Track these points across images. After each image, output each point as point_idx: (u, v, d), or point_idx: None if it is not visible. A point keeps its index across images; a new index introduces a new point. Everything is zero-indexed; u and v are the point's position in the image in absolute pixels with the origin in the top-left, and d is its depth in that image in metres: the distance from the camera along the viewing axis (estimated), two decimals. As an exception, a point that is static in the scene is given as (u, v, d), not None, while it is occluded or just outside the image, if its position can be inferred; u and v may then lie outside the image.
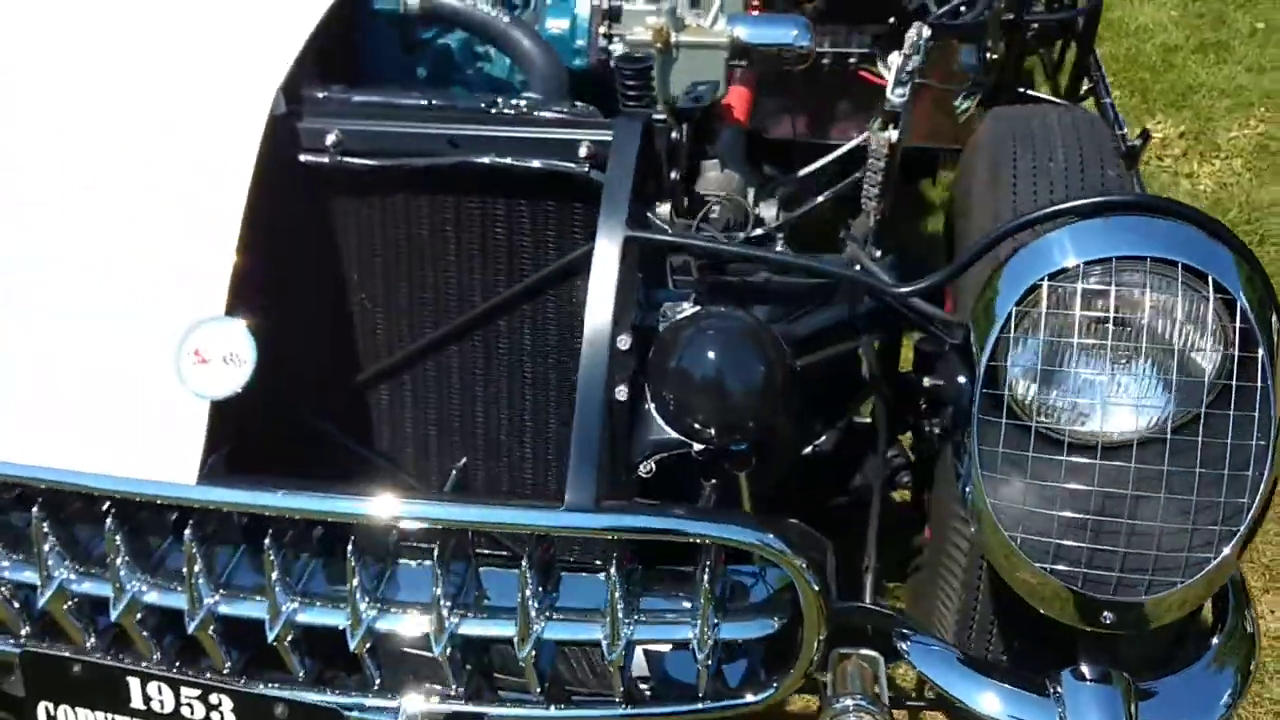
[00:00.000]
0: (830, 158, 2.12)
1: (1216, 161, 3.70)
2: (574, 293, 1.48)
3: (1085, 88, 2.71)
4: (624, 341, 1.36)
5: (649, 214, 1.41)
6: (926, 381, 1.40)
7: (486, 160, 1.43)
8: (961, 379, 1.31)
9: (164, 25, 1.54)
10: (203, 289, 1.36)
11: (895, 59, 1.58)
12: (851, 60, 2.45)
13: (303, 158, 1.46)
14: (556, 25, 1.88)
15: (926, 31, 1.94)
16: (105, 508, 1.34)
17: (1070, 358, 1.23)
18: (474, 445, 1.54)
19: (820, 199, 1.90)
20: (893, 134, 1.52)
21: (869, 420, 1.72)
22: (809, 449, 1.71)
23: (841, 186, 1.90)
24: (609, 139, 1.40)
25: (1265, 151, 3.75)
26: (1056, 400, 1.26)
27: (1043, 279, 1.21)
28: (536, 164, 1.42)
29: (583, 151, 1.40)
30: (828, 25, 2.30)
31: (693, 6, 1.96)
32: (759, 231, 1.88)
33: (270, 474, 1.35)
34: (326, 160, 1.45)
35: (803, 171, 2.18)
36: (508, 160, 1.42)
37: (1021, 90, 2.72)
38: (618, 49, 1.84)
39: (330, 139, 1.45)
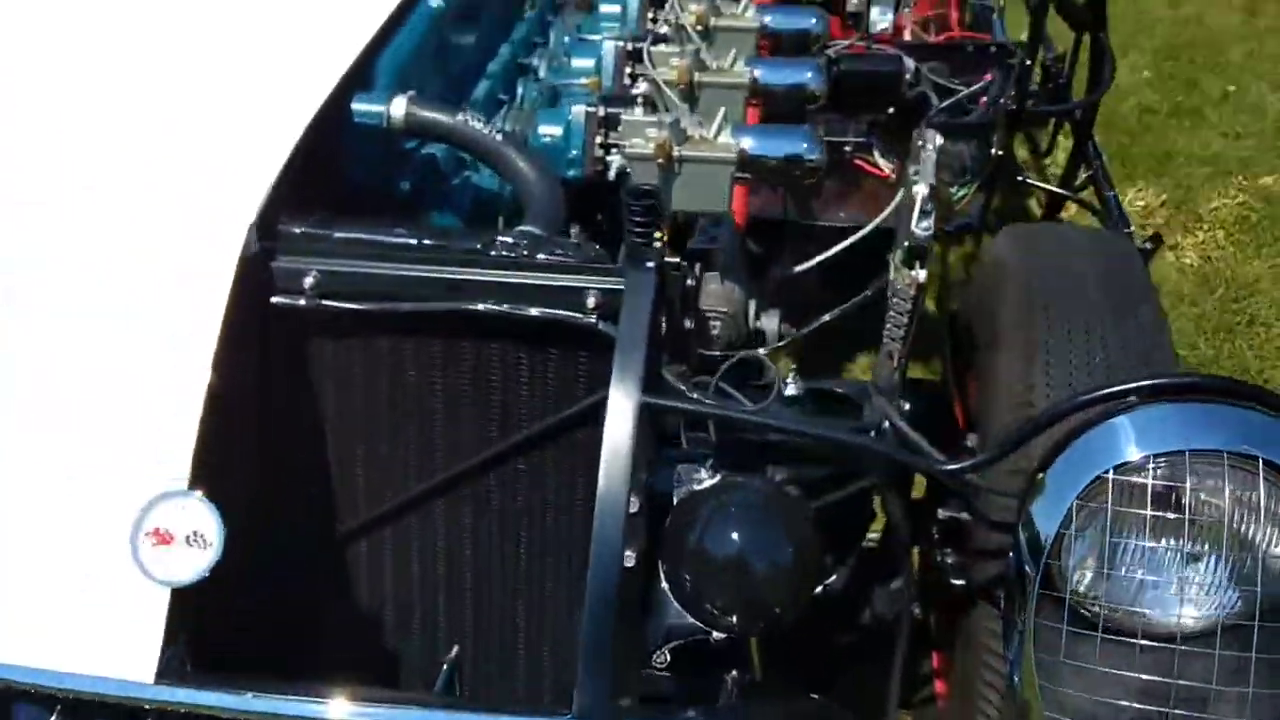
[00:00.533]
0: (830, 252, 2.02)
1: (1200, 233, 3.64)
2: (576, 448, 1.35)
3: (1084, 175, 2.63)
4: (634, 504, 1.23)
5: (664, 371, 1.28)
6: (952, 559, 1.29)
7: (481, 307, 1.30)
8: (1009, 561, 1.20)
9: (120, 155, 1.39)
10: (163, 457, 1.21)
11: (920, 189, 1.46)
12: (847, 149, 2.36)
13: (277, 300, 1.32)
14: (549, 132, 1.75)
15: (939, 139, 1.84)
16: (52, 707, 1.19)
17: (1137, 555, 1.12)
18: (462, 627, 1.39)
19: (827, 318, 1.78)
20: (920, 273, 1.40)
21: (873, 543, 1.61)
22: (820, 588, 1.59)
23: (849, 306, 1.79)
24: (619, 288, 1.27)
25: (1246, 223, 3.69)
26: (1117, 593, 1.15)
27: (1107, 471, 1.10)
28: (537, 313, 1.29)
29: (590, 302, 1.27)
30: (823, 114, 2.21)
31: (692, 112, 1.85)
32: (760, 351, 1.77)
33: (237, 666, 1.21)
34: (303, 303, 1.31)
35: (800, 267, 2.07)
36: (505, 307, 1.29)
37: (1020, 179, 2.64)
38: (615, 160, 1.72)
39: (308, 281, 1.31)
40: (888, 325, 1.47)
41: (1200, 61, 4.96)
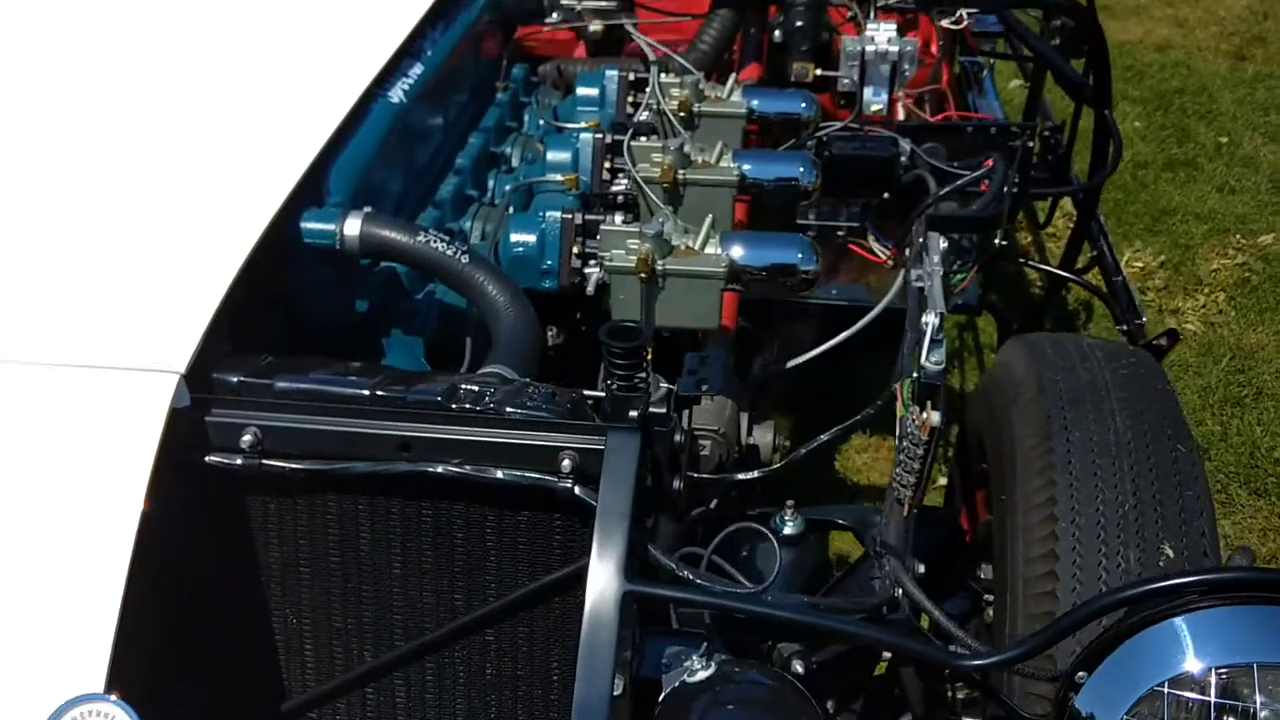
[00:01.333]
0: (824, 347, 1.88)
1: (1200, 296, 3.52)
2: (551, 617, 1.20)
3: (1090, 256, 2.51)
4: (618, 685, 1.08)
5: (651, 548, 1.13)
6: None
7: (441, 469, 1.15)
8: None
9: (29, 295, 1.24)
10: (77, 656, 1.06)
11: (929, 319, 1.32)
12: (841, 234, 2.22)
13: (211, 459, 1.17)
14: (521, 240, 1.61)
15: (943, 243, 1.71)
16: None
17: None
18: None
19: (825, 437, 1.63)
20: (934, 415, 1.26)
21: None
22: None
23: (850, 425, 1.65)
24: (599, 448, 1.13)
25: (1247, 285, 3.58)
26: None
27: (1163, 684, 0.95)
28: (504, 476, 1.14)
29: (566, 464, 1.13)
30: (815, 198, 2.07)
31: (677, 212, 1.72)
32: (754, 475, 1.62)
33: None
34: (240, 463, 1.16)
35: (793, 362, 1.93)
36: (468, 469, 1.15)
37: (1022, 260, 2.51)
38: (594, 273, 1.58)
39: (246, 439, 1.16)
40: (897, 470, 1.33)
41: (1191, 110, 4.87)
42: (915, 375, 1.34)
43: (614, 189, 1.79)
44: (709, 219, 1.59)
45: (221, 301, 1.21)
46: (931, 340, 1.33)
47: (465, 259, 1.38)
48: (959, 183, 2.05)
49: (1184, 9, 6.15)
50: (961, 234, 1.99)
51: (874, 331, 1.80)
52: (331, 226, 1.38)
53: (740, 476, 1.60)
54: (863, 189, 2.19)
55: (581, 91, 2.02)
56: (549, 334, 1.74)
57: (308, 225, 1.39)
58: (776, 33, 2.23)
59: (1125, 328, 2.32)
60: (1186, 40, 5.74)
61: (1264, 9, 6.13)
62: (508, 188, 1.82)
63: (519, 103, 2.09)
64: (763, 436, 1.73)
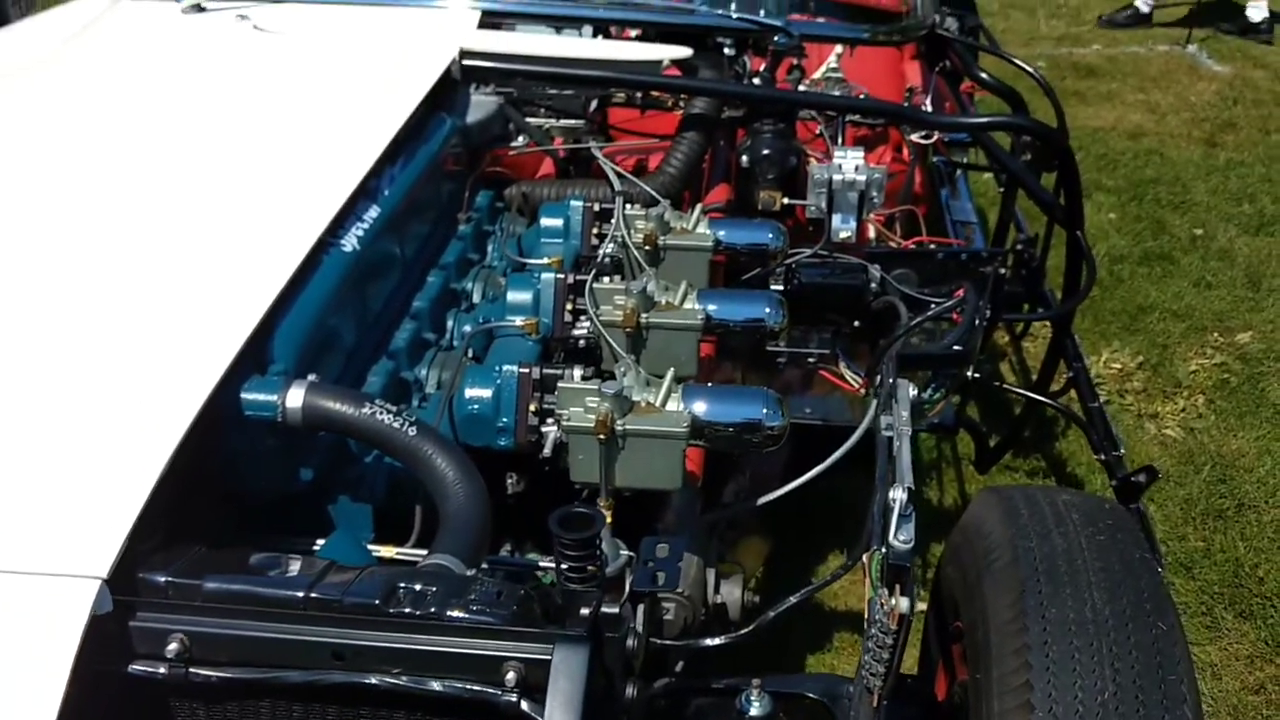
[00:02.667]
0: (795, 484, 1.81)
1: (1179, 399, 3.48)
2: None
3: (1066, 377, 2.46)
4: None
5: None
6: None
7: (375, 680, 1.08)
8: None
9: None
10: None
11: (896, 494, 1.26)
12: (811, 360, 2.17)
13: (135, 669, 1.10)
14: (477, 396, 1.55)
15: (913, 390, 1.65)
16: None
17: None
18: None
19: (794, 599, 1.56)
20: (902, 602, 1.20)
21: None
22: None
23: (817, 587, 1.59)
24: (546, 658, 1.06)
25: (1226, 387, 3.54)
26: None
27: None
28: (443, 688, 1.07)
29: (510, 676, 1.06)
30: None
31: (639, 360, 1.66)
32: (720, 640, 1.55)
33: None
34: (165, 671, 1.09)
35: (762, 500, 1.87)
36: (405, 680, 1.08)
37: (998, 384, 2.47)
38: (551, 432, 1.52)
39: (173, 647, 1.09)
40: (865, 657, 1.26)
41: (1165, 201, 4.88)
42: (884, 551, 1.28)
43: (576, 332, 1.74)
44: (671, 372, 1.54)
45: (150, 493, 1.14)
46: (900, 516, 1.27)
47: (413, 431, 1.32)
48: (930, 314, 2.01)
49: (1155, 94, 6.21)
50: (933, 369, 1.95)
51: (851, 452, 1.75)
52: (273, 397, 1.32)
53: (707, 642, 1.53)
54: (833, 316, 2.15)
55: (546, 222, 1.98)
56: (509, 481, 1.68)
57: (248, 396, 1.32)
58: (744, 158, 2.20)
59: (1103, 457, 2.27)
60: (1159, 127, 5.78)
61: (1233, 94, 6.21)
62: (467, 328, 1.77)
63: (482, 232, 2.05)
64: (730, 593, 1.66)
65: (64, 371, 1.29)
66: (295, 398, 1.32)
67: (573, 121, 2.43)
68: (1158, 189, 5.00)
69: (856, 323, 2.14)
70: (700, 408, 1.52)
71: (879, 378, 1.97)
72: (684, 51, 2.24)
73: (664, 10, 2.40)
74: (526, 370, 1.54)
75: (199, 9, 2.35)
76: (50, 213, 1.61)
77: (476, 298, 1.88)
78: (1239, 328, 3.88)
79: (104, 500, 1.13)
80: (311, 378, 1.35)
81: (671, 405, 1.51)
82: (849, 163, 2.10)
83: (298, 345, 1.42)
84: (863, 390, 2.15)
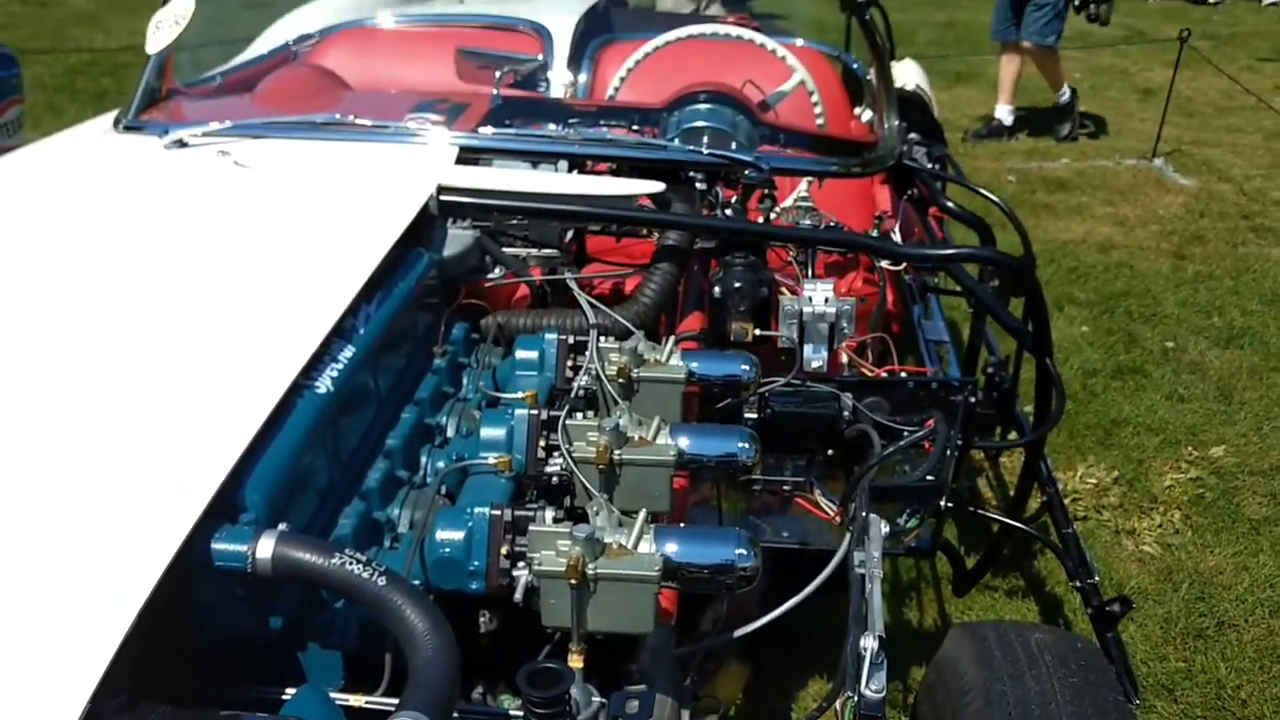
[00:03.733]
0: (773, 615, 1.81)
1: (1156, 515, 3.50)
2: None
3: (1041, 502, 2.48)
4: None
5: None
6: None
7: None
8: None
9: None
10: None
11: (867, 643, 1.26)
12: (786, 488, 2.19)
13: None
14: (448, 538, 1.55)
15: (885, 528, 1.66)
16: None
17: None
18: None
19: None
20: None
21: None
22: None
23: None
24: None
25: (1202, 503, 3.56)
26: None
27: None
28: None
29: None
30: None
31: (613, 496, 1.67)
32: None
33: None
34: None
35: (739, 632, 1.86)
36: None
37: (972, 509, 2.48)
38: (522, 575, 1.51)
39: None
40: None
41: (1136, 313, 4.96)
42: (855, 700, 1.27)
43: (549, 469, 1.75)
44: (643, 513, 1.54)
45: (115, 652, 1.13)
46: (871, 665, 1.27)
47: (382, 581, 1.31)
48: (900, 444, 2.03)
49: (1124, 207, 6.36)
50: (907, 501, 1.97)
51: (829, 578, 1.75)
52: (243, 548, 1.31)
53: None
54: (806, 445, 2.17)
55: (521, 355, 2.00)
56: (481, 620, 1.67)
57: (218, 546, 1.32)
58: (716, 289, 2.23)
59: (1078, 584, 2.28)
60: (1128, 239, 5.90)
61: (1199, 207, 6.36)
62: (440, 465, 1.78)
63: (457, 364, 2.06)
64: None
65: (28, 520, 1.28)
66: (265, 548, 1.31)
67: (549, 251, 2.47)
68: (1128, 301, 5.08)
69: (830, 451, 2.16)
70: (672, 549, 1.52)
71: (852, 507, 1.98)
72: (657, 186, 2.29)
73: (637, 146, 2.46)
74: (498, 513, 1.54)
75: (181, 144, 2.39)
76: (19, 347, 1.61)
77: (451, 432, 1.89)
78: (1212, 441, 3.92)
79: (66, 659, 1.12)
80: (282, 527, 1.34)
81: (644, 547, 1.51)
82: (819, 295, 2.14)
83: (269, 492, 1.42)
84: (838, 519, 2.16)
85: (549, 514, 1.53)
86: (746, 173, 2.37)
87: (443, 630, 1.29)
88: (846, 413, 2.13)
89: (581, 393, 1.91)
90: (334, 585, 1.33)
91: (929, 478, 1.98)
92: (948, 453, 1.99)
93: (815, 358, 2.15)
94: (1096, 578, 2.25)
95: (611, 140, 2.47)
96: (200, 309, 1.73)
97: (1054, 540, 2.38)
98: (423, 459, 1.81)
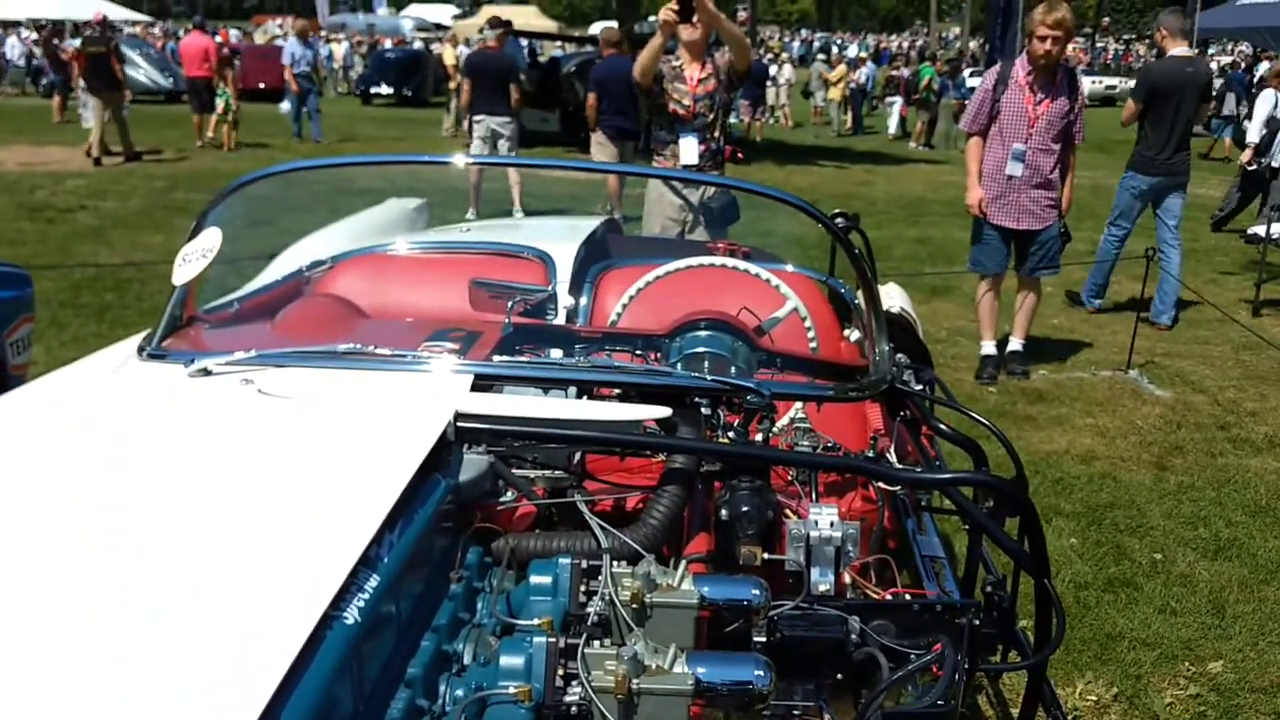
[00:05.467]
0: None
1: (1158, 734, 3.49)
2: None
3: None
4: None
5: None
6: None
7: None
8: None
9: None
10: None
11: None
12: (795, 712, 2.20)
13: None
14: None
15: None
16: None
17: None
18: None
19: None
20: None
21: None
22: None
23: None
24: None
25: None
26: None
27: None
28: None
29: None
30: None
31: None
32: None
33: None
34: None
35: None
36: None
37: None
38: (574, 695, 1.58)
39: None
40: None
41: (1123, 525, 5.04)
42: None
43: (568, 699, 1.78)
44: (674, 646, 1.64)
45: None
46: None
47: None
48: (911, 668, 2.06)
49: (1103, 418, 6.51)
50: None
51: None
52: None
53: None
54: (815, 669, 2.19)
55: (535, 580, 2.05)
56: None
57: (253, 784, 1.34)
58: (723, 512, 2.30)
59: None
60: (1109, 450, 6.02)
61: (1176, 418, 6.52)
62: (459, 693, 1.80)
63: (472, 589, 2.11)
64: None
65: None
66: None
67: (557, 472, 2.54)
68: (1114, 513, 5.16)
69: (839, 675, 2.18)
70: (701, 670, 1.76)
71: None
72: (663, 411, 2.39)
73: (644, 373, 2.57)
74: (553, 640, 1.60)
75: (206, 373, 2.49)
76: (45, 586, 1.65)
77: (467, 659, 1.92)
78: (1209, 656, 3.93)
79: None
80: None
81: (678, 668, 1.74)
82: (824, 519, 2.21)
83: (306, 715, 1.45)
84: (848, 746, 2.17)
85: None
86: (749, 398, 2.48)
87: None
88: (854, 635, 2.16)
89: (595, 619, 1.95)
90: None
91: (940, 702, 2.00)
92: (955, 677, 2.02)
93: (822, 581, 2.20)
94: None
95: (619, 367, 2.58)
96: (230, 538, 1.79)
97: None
98: (441, 687, 1.84)
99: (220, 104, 18.52)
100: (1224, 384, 7.18)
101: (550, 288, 3.15)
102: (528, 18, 35.47)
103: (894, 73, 27.52)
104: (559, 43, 27.44)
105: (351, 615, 1.66)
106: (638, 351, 2.85)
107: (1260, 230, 9.27)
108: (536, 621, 1.91)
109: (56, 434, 2.24)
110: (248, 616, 1.59)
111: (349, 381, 2.46)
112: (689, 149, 6.40)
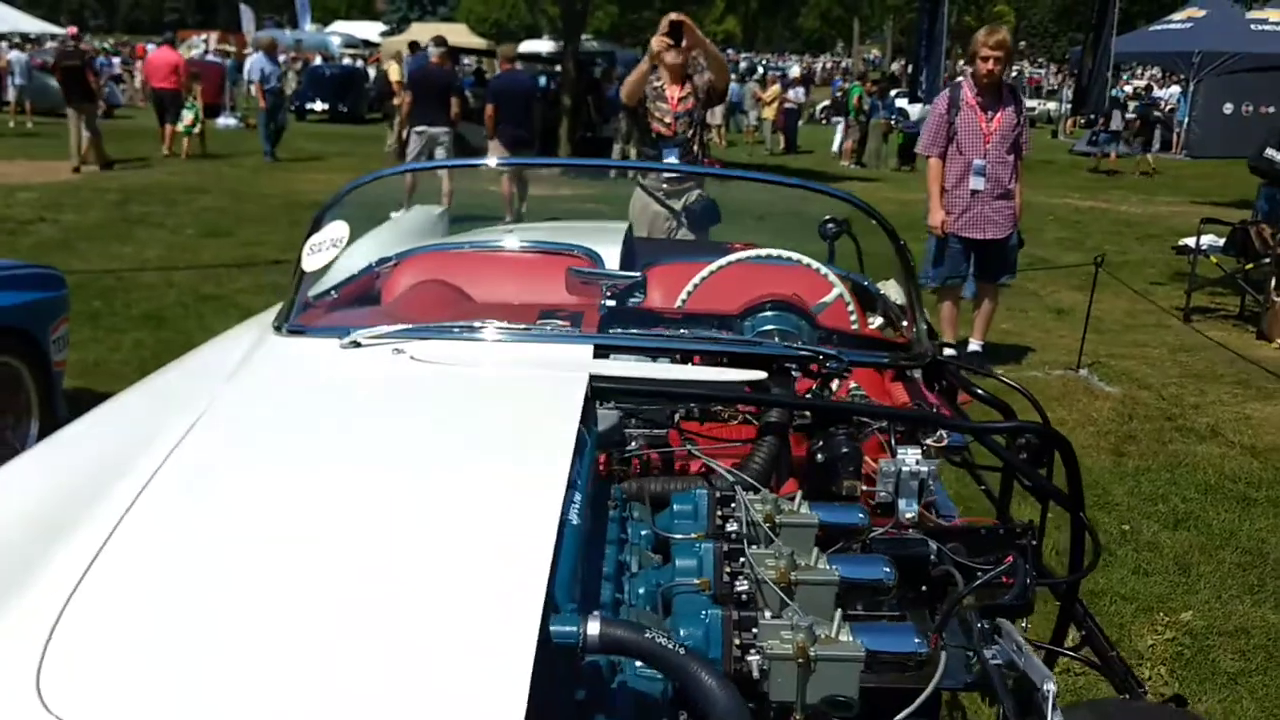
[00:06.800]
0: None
1: (1144, 669, 3.97)
2: None
3: (1080, 635, 2.94)
4: None
5: None
6: None
7: None
8: None
9: None
10: None
11: (1049, 688, 1.70)
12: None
13: None
14: (687, 634, 1.96)
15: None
16: None
17: None
18: None
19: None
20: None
21: None
22: None
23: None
24: None
25: (1182, 659, 4.05)
26: None
27: None
28: None
29: None
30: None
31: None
32: None
33: None
34: None
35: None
36: None
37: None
38: (754, 660, 1.93)
39: None
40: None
41: (1091, 502, 5.51)
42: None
43: (738, 589, 2.17)
44: (838, 613, 1.98)
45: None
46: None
47: (682, 651, 1.73)
48: (989, 575, 2.49)
49: (1061, 411, 7.05)
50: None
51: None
52: (575, 629, 1.72)
53: None
54: (903, 583, 2.62)
55: (678, 508, 2.44)
56: None
57: (555, 629, 1.72)
58: (819, 455, 2.72)
59: (1128, 695, 2.71)
60: (1071, 438, 6.54)
61: (1127, 411, 7.09)
62: (641, 590, 2.19)
63: (623, 518, 2.50)
64: None
65: (428, 628, 1.66)
66: (593, 628, 1.72)
67: (657, 430, 2.94)
68: (1084, 492, 5.67)
69: (922, 588, 2.60)
70: (865, 639, 1.96)
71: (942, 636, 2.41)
72: (759, 374, 2.81)
73: (744, 343, 2.99)
74: (729, 612, 1.97)
75: (356, 345, 2.83)
76: (360, 516, 1.98)
77: (635, 568, 2.31)
78: (1180, 608, 4.44)
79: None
80: (597, 613, 1.75)
81: (843, 636, 1.95)
82: (910, 458, 2.63)
83: (572, 593, 1.83)
84: (928, 650, 2.59)
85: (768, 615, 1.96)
86: (829, 364, 2.90)
87: (733, 689, 1.70)
88: (933, 556, 2.59)
89: (734, 536, 2.35)
90: (644, 655, 1.74)
91: (1018, 601, 2.44)
92: (1029, 581, 2.46)
93: (908, 509, 2.63)
94: (1145, 689, 2.69)
95: (721, 338, 3.00)
96: (473, 469, 2.15)
97: (1097, 661, 2.83)
98: (625, 586, 2.23)
99: (189, 116, 18.74)
100: (1166, 381, 7.80)
101: (640, 274, 3.54)
102: (458, 36, 35.80)
103: (840, 93, 28.35)
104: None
105: (575, 518, 2.04)
106: (714, 330, 3.25)
107: (1190, 242, 9.96)
108: (694, 535, 2.31)
109: (267, 403, 2.56)
110: (512, 522, 1.95)
111: (488, 351, 2.82)
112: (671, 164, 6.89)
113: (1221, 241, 9.89)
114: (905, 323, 3.48)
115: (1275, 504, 5.64)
